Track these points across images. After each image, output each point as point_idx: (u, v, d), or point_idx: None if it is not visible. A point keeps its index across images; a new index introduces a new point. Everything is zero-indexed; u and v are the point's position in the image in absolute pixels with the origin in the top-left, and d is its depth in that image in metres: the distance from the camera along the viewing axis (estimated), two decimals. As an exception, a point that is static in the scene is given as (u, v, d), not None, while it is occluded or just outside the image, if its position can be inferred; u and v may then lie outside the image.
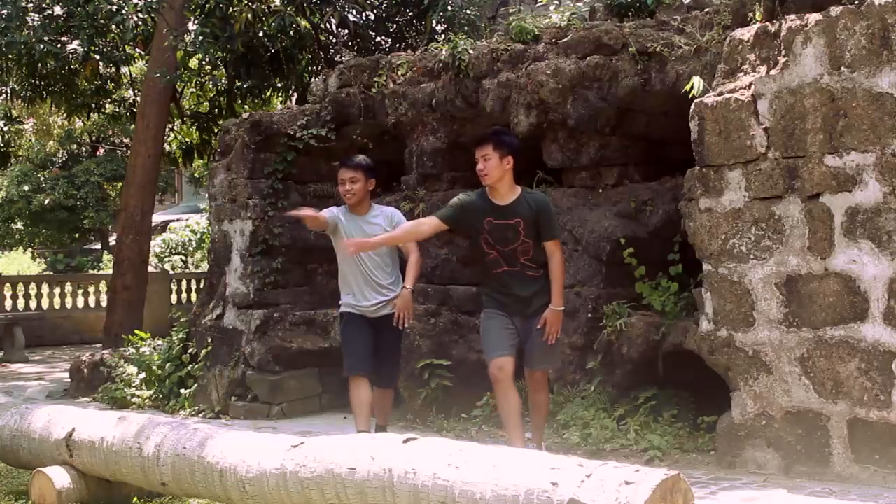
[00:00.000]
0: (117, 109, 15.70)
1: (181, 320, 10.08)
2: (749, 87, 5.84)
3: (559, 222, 7.32)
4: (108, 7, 12.20)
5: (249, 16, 10.72)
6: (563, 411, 6.90)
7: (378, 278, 6.46)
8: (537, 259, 5.86)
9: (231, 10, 10.75)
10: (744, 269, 5.83)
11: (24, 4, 12.64)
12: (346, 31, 12.14)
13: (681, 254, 6.87)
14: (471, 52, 8.07)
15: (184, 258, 22.78)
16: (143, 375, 9.66)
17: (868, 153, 5.35)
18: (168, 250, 22.65)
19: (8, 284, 17.76)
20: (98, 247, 27.10)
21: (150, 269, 14.20)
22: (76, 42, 12.75)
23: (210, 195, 9.56)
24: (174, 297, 18.51)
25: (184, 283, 19.23)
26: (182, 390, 9.30)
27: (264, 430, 7.15)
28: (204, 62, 12.67)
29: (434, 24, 11.37)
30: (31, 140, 22.61)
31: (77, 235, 25.31)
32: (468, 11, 11.23)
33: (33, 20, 12.57)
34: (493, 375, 5.83)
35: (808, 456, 5.58)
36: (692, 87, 6.24)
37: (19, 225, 24.31)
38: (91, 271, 23.26)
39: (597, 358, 6.93)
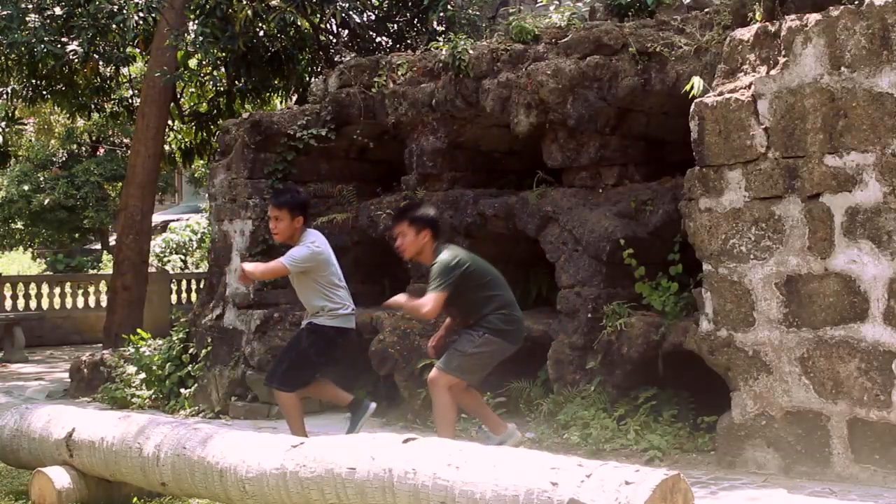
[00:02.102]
0: (117, 109, 15.69)
1: (181, 320, 10.08)
2: (749, 87, 5.84)
3: (564, 225, 7.37)
4: (109, 7, 12.19)
5: (249, 12, 10.70)
6: (563, 411, 6.90)
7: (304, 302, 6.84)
8: (464, 313, 6.15)
9: (231, 10, 10.74)
10: (744, 269, 5.83)
11: (24, 4, 12.63)
12: (347, 31, 12.14)
13: (681, 254, 6.87)
14: (471, 52, 8.07)
15: (184, 258, 22.77)
16: (143, 375, 9.66)
17: (868, 153, 5.35)
18: (168, 250, 22.64)
19: (8, 284, 17.75)
20: (98, 247, 27.06)
21: (150, 269, 14.18)
22: (76, 42, 12.74)
23: (210, 195, 9.57)
24: (174, 297, 18.49)
25: (184, 283, 19.23)
26: (182, 390, 9.30)
27: (264, 430, 7.15)
28: (204, 62, 12.67)
29: (434, 24, 11.37)
30: (31, 140, 22.58)
31: (77, 235, 25.25)
32: (468, 11, 11.23)
33: (33, 20, 12.56)
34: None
35: (808, 456, 5.58)
36: (692, 87, 6.24)
37: (19, 225, 24.26)
38: (91, 271, 23.24)
39: (597, 358, 6.93)
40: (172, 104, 13.24)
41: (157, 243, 21.84)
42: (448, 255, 6.08)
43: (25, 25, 12.43)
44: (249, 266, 6.69)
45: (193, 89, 14.33)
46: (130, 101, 15.46)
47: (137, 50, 14.03)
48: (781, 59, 5.71)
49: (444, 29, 11.19)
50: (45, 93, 14.74)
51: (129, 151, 15.28)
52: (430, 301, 5.95)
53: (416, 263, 7.67)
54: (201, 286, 15.61)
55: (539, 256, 7.74)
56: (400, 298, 6.21)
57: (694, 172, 6.08)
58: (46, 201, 22.23)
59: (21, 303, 17.53)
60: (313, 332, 6.59)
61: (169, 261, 22.19)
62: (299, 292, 6.76)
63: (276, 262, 6.61)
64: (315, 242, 6.60)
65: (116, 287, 12.43)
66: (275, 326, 8.77)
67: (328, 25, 12.30)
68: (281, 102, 13.75)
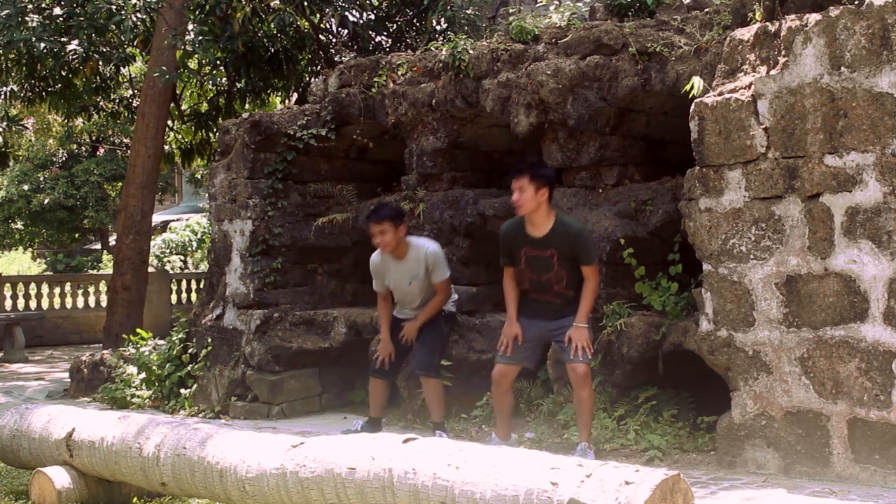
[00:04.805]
0: (117, 109, 15.71)
1: (181, 320, 10.09)
2: (749, 87, 5.85)
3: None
4: (108, 6, 12.19)
5: (248, 10, 10.69)
6: (562, 411, 6.91)
7: (407, 304, 7.23)
8: (573, 283, 6.23)
9: (230, 9, 10.73)
10: (744, 269, 5.83)
11: (24, 4, 12.62)
12: (346, 31, 12.14)
13: (681, 254, 6.87)
14: (471, 52, 8.07)
15: (184, 258, 22.77)
16: (143, 375, 9.66)
17: (868, 153, 5.35)
18: (168, 250, 22.64)
19: (8, 284, 17.77)
20: (98, 247, 27.09)
21: (150, 269, 14.18)
22: (76, 42, 12.73)
23: (210, 195, 9.56)
24: (174, 297, 18.51)
25: (184, 283, 19.24)
26: (182, 390, 9.30)
27: (264, 430, 7.15)
28: (203, 62, 12.67)
29: (434, 24, 11.37)
30: (31, 140, 22.60)
31: (77, 235, 25.28)
32: (468, 11, 11.23)
33: (33, 20, 12.55)
34: (493, 378, 6.45)
35: (808, 456, 5.59)
36: (692, 87, 6.24)
37: (19, 225, 24.28)
38: (91, 271, 23.26)
39: (597, 358, 6.93)
40: (172, 104, 13.24)
41: (157, 243, 21.84)
42: (577, 222, 6.40)
43: (25, 25, 12.42)
44: (425, 316, 7.08)
45: (193, 89, 14.33)
46: (130, 101, 15.47)
47: (137, 50, 14.04)
48: (781, 59, 5.71)
49: (444, 29, 11.20)
50: (43, 93, 14.74)
51: (129, 151, 15.28)
52: (596, 275, 6.19)
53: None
54: (201, 286, 15.60)
55: (539, 256, 7.73)
56: (587, 306, 6.15)
57: (694, 172, 6.08)
58: (46, 201, 22.25)
59: (21, 303, 17.55)
60: (449, 319, 7.23)
61: (169, 261, 22.19)
62: (413, 293, 7.07)
63: (440, 290, 7.05)
64: (431, 245, 7.12)
65: (116, 287, 12.44)
66: (275, 326, 8.77)
67: (328, 25, 12.31)
68: (281, 102, 13.76)
